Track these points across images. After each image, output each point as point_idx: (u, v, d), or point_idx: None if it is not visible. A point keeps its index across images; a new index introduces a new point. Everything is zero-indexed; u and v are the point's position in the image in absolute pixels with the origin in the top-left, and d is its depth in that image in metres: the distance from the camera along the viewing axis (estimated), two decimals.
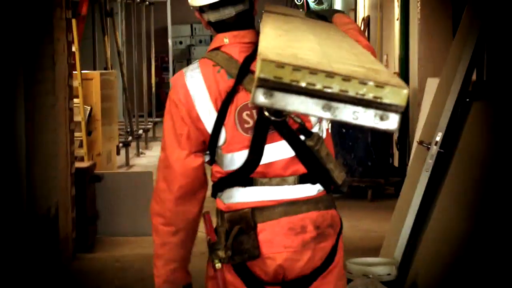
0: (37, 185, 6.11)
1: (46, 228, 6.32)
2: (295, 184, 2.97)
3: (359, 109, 2.29)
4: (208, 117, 2.97)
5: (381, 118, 2.28)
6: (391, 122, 2.29)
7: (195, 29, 22.32)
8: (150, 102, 16.89)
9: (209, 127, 2.97)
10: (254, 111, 2.95)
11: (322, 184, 2.99)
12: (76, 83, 8.80)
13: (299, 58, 2.39)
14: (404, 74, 10.19)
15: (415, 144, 8.52)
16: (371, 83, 2.27)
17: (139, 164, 13.52)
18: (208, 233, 3.02)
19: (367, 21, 13.67)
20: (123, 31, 13.74)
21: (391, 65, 11.44)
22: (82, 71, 9.39)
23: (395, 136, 10.34)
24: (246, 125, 2.97)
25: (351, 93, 2.27)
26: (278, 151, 2.96)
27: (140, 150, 14.70)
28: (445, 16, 9.44)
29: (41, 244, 6.11)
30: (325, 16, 3.39)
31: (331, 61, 2.43)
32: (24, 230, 5.70)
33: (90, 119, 9.38)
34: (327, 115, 2.30)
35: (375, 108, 2.28)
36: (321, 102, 2.29)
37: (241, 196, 2.99)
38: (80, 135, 8.89)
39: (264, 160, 2.95)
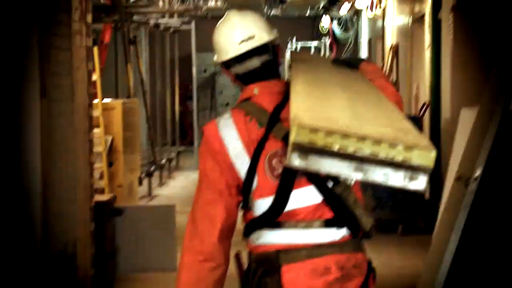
0: (53, 221, 5.83)
1: (63, 266, 6.02)
2: (320, 228, 3.05)
3: (389, 170, 2.42)
4: (241, 164, 3.09)
5: (411, 179, 2.42)
6: (420, 183, 2.43)
7: None
8: (174, 131, 16.62)
9: (242, 173, 3.09)
10: (284, 158, 3.00)
11: (349, 229, 3.06)
12: (97, 112, 8.54)
13: (332, 120, 2.50)
14: (435, 103, 9.87)
15: (448, 177, 8.18)
16: (400, 146, 2.40)
17: (162, 194, 13.23)
18: (238, 273, 3.16)
19: (395, 49, 13.35)
20: (147, 59, 13.50)
21: (422, 95, 11.10)
22: (104, 100, 9.12)
23: None
24: (275, 172, 3.07)
25: (382, 155, 2.40)
26: (306, 196, 3.05)
27: (163, 180, 14.41)
28: (479, 43, 9.12)
29: (58, 283, 5.81)
30: (352, 63, 3.49)
31: (361, 121, 2.56)
32: (38, 269, 5.41)
33: (111, 149, 9.08)
34: (359, 176, 2.44)
35: (404, 170, 2.41)
36: (353, 164, 2.42)
37: (268, 238, 3.08)
38: (101, 166, 8.61)
39: (292, 205, 3.04)
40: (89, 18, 6.74)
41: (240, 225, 3.17)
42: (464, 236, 5.54)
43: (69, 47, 6.29)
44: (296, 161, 2.44)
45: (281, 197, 3.03)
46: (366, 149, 2.40)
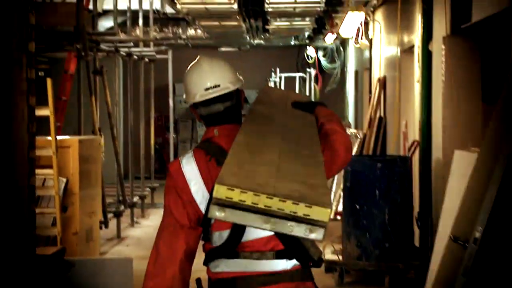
0: None
1: None
2: (273, 258, 3.43)
3: (293, 223, 2.81)
4: (201, 199, 3.49)
5: (310, 231, 2.81)
6: (318, 234, 2.82)
7: None
8: (148, 165, 15.71)
9: (202, 208, 3.49)
10: None
11: (298, 260, 3.45)
12: (49, 152, 7.65)
13: (251, 178, 2.93)
14: (425, 142, 9.04)
15: (441, 226, 7.35)
16: (302, 204, 2.80)
17: (132, 236, 12.30)
18: None
19: (383, 82, 12.55)
20: (118, 89, 12.66)
21: (411, 133, 10.28)
22: (59, 137, 8.24)
23: (415, 213, 9.14)
24: None
25: (286, 211, 2.81)
26: (258, 229, 3.20)
27: (135, 219, 13.49)
28: (473, 78, 8.32)
29: None
30: (308, 107, 3.86)
31: (279, 178, 2.97)
32: None
33: (66, 192, 8.15)
34: (268, 227, 2.84)
35: (305, 223, 2.81)
36: (263, 217, 2.82)
37: (226, 266, 3.47)
38: (54, 211, 7.69)
39: (246, 237, 3.43)
40: (32, 46, 5.87)
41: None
42: None
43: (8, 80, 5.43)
44: (216, 213, 2.84)
45: (237, 231, 3.41)
46: (274, 206, 2.81)
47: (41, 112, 7.64)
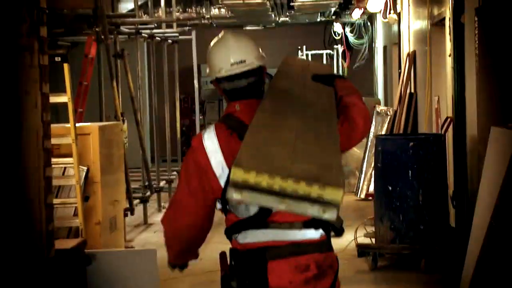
0: None
1: None
2: (301, 229, 3.51)
3: (307, 204, 2.97)
4: (221, 173, 3.56)
5: (324, 211, 2.96)
6: (331, 214, 2.96)
7: None
8: (175, 148, 15.45)
9: (222, 181, 3.56)
10: None
11: (323, 229, 3.53)
12: (69, 140, 7.39)
13: (268, 159, 3.08)
14: (459, 119, 8.67)
15: (478, 205, 7.02)
16: (315, 185, 2.95)
17: (160, 222, 12.03)
18: (223, 269, 3.61)
19: (412, 56, 12.17)
20: (139, 73, 12.36)
21: (444, 109, 9.91)
22: (79, 124, 7.96)
23: (450, 192, 8.79)
24: None
25: (300, 192, 2.96)
26: None
27: (162, 204, 13.24)
28: (509, 50, 7.94)
29: None
30: (328, 80, 3.87)
31: (294, 159, 3.11)
32: None
33: (87, 181, 7.89)
34: (283, 207, 3.00)
35: (319, 204, 2.96)
36: (278, 198, 2.98)
37: (255, 237, 3.53)
38: (75, 201, 7.43)
39: None
40: (43, 31, 5.61)
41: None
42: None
43: (14, 68, 5.16)
44: (233, 194, 2.97)
45: None
46: (288, 188, 2.93)
47: (59, 99, 7.38)
